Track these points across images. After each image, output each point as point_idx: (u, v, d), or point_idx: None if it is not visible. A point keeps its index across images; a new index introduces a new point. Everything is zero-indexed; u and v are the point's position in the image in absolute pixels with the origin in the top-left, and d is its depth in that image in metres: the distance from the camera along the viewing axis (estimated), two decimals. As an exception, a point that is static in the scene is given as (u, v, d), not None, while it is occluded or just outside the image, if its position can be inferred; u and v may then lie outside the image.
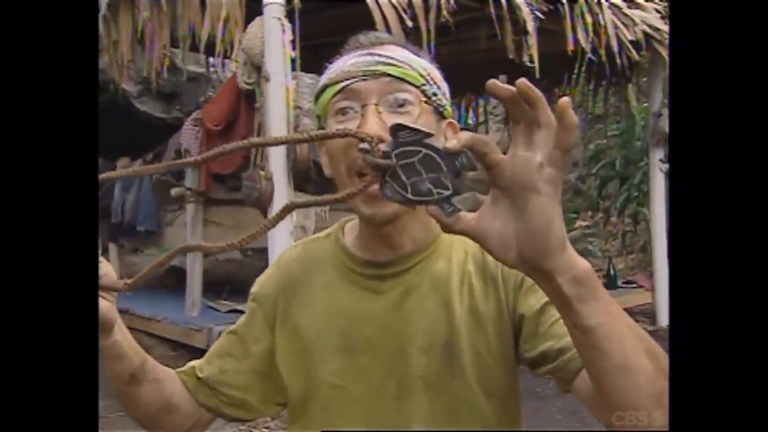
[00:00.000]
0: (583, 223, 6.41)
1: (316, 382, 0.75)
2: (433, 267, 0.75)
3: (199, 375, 0.81)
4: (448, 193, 0.50)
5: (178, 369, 0.82)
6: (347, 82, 0.70)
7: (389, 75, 0.69)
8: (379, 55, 0.70)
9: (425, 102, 0.71)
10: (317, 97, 0.74)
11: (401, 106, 0.69)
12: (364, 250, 0.77)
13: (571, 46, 3.21)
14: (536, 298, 0.70)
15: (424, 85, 0.71)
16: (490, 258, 0.72)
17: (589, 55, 3.43)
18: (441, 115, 0.74)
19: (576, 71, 4.47)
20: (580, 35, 3.17)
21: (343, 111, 0.70)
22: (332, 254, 0.79)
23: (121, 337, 0.72)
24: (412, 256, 0.75)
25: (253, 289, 0.84)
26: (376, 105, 0.68)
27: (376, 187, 0.56)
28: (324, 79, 0.73)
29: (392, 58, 0.70)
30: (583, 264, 0.51)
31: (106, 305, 0.67)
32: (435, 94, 0.72)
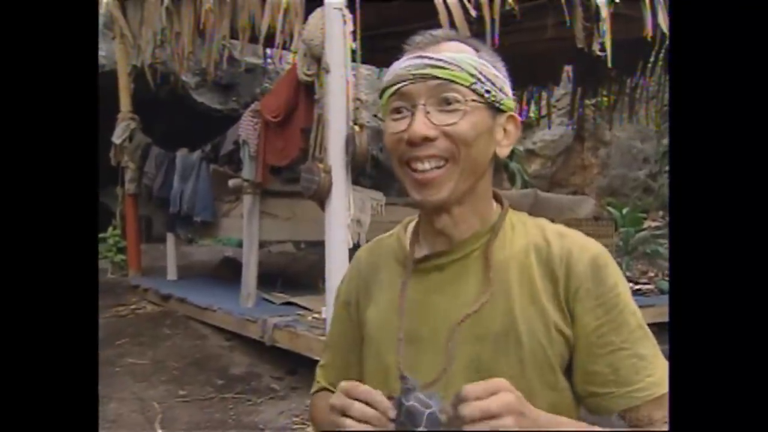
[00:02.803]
0: (653, 224, 6.10)
1: (386, 373, 0.79)
2: (489, 253, 0.78)
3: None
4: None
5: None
6: (399, 84, 0.76)
7: (437, 77, 0.74)
8: (429, 58, 0.75)
9: (475, 100, 0.75)
10: (380, 96, 0.81)
11: (449, 104, 0.74)
12: (422, 243, 0.82)
13: (650, 32, 2.99)
14: (596, 316, 0.74)
15: (474, 84, 0.75)
16: (555, 253, 0.76)
17: (670, 41, 3.20)
18: (497, 110, 0.77)
19: (652, 59, 4.20)
20: (661, 19, 2.95)
21: (397, 110, 0.77)
22: (395, 251, 0.85)
23: None
24: (469, 242, 0.79)
25: (341, 297, 0.91)
26: (424, 105, 0.74)
27: (426, 175, 0.74)
28: (384, 81, 0.80)
29: (441, 60, 0.75)
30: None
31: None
32: (488, 91, 0.76)
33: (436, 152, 0.74)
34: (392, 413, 0.68)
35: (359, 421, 0.68)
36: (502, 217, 0.80)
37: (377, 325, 0.82)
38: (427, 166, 0.75)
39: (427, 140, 0.73)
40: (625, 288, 0.77)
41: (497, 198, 0.83)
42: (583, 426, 0.71)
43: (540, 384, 0.74)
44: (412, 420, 0.67)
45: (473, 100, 0.74)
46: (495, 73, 0.77)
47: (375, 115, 5.62)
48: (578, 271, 0.75)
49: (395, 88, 0.76)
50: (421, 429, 0.66)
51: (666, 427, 0.71)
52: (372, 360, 0.82)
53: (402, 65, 0.76)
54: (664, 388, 0.72)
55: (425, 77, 0.74)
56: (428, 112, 0.74)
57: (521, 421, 0.65)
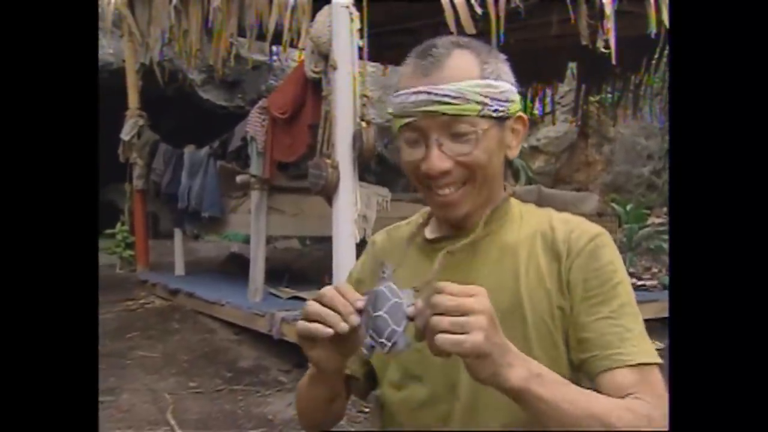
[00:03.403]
0: (657, 220, 6.12)
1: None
2: (501, 239, 0.83)
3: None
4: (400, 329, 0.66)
5: None
6: (410, 119, 0.79)
7: (445, 113, 0.77)
8: (435, 94, 0.77)
9: (485, 127, 0.78)
10: (390, 115, 0.84)
11: (461, 136, 0.78)
12: (436, 229, 0.87)
13: (654, 29, 3.02)
14: (587, 287, 0.78)
15: (481, 110, 0.77)
16: (559, 237, 0.81)
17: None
18: (506, 118, 0.80)
19: (657, 55, 4.23)
20: (665, 15, 2.98)
21: (412, 140, 0.80)
22: (411, 236, 0.90)
23: (332, 374, 0.81)
24: (479, 227, 0.83)
25: (354, 275, 0.95)
26: (437, 139, 0.78)
27: (447, 198, 0.80)
28: (392, 104, 0.82)
29: (446, 96, 0.76)
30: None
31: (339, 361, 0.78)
32: (496, 110, 0.79)
33: (453, 180, 0.79)
34: (360, 303, 0.66)
35: (327, 306, 0.68)
36: (506, 199, 0.85)
37: None
38: (447, 191, 0.80)
39: (444, 173, 0.78)
40: (620, 268, 0.80)
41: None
42: (553, 373, 0.71)
43: (543, 358, 0.77)
44: (374, 303, 0.65)
45: (484, 128, 0.78)
46: (501, 88, 0.79)
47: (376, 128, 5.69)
48: (577, 248, 0.79)
49: (406, 121, 0.79)
50: (380, 313, 0.64)
51: (647, 404, 0.71)
52: None
53: (409, 99, 0.78)
54: (646, 359, 0.74)
55: (434, 114, 0.77)
56: (441, 144, 0.78)
57: (492, 328, 0.63)
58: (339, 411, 0.90)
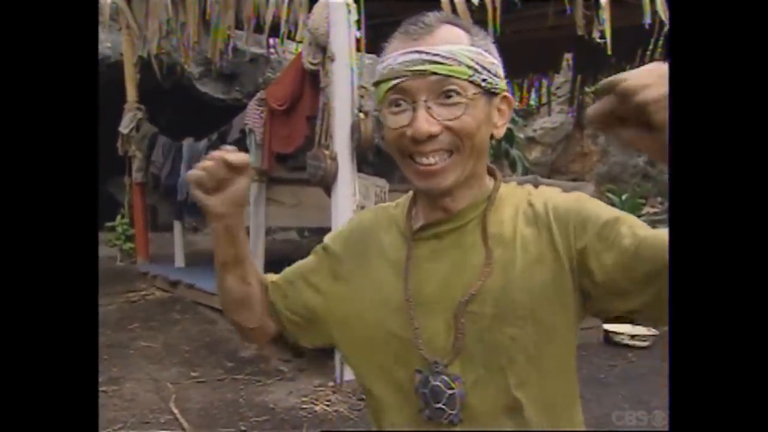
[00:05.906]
0: (652, 210, 6.17)
1: (383, 333, 0.82)
2: (486, 221, 0.81)
3: (274, 294, 0.94)
4: None
5: (271, 278, 0.95)
6: (398, 80, 0.75)
7: (436, 73, 0.74)
8: (426, 53, 0.75)
9: (475, 93, 0.75)
10: (375, 86, 0.80)
11: (449, 98, 0.75)
12: (421, 214, 0.84)
13: (648, 19, 3.05)
14: (593, 227, 0.76)
15: (472, 76, 0.75)
16: (540, 209, 0.80)
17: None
18: (493, 94, 0.78)
19: (651, 46, 4.26)
20: (660, 5, 3.00)
21: (396, 103, 0.77)
22: (397, 220, 0.87)
23: (223, 229, 0.84)
24: (466, 212, 0.81)
25: (326, 241, 0.93)
26: (425, 101, 0.75)
27: (431, 167, 0.75)
28: (378, 73, 0.79)
29: (438, 56, 0.75)
30: None
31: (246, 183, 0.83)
32: (485, 80, 0.76)
33: (440, 147, 0.75)
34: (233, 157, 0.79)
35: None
36: (497, 188, 0.83)
37: (376, 287, 0.84)
38: (432, 160, 0.75)
39: (431, 137, 0.74)
40: (603, 205, 0.79)
41: (491, 171, 0.86)
42: None
43: (542, 341, 0.77)
44: (435, 397, 0.78)
45: (473, 93, 0.75)
46: (490, 59, 0.77)
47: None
48: (566, 220, 0.78)
49: (393, 83, 0.75)
50: (440, 405, 0.77)
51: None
52: (366, 317, 0.83)
53: (398, 60, 0.76)
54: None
55: (424, 73, 0.74)
56: (429, 107, 0.74)
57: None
58: (256, 306, 0.90)
